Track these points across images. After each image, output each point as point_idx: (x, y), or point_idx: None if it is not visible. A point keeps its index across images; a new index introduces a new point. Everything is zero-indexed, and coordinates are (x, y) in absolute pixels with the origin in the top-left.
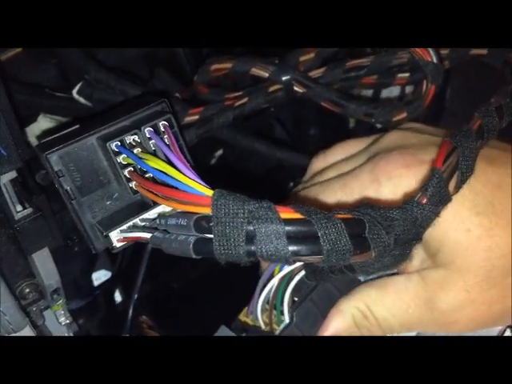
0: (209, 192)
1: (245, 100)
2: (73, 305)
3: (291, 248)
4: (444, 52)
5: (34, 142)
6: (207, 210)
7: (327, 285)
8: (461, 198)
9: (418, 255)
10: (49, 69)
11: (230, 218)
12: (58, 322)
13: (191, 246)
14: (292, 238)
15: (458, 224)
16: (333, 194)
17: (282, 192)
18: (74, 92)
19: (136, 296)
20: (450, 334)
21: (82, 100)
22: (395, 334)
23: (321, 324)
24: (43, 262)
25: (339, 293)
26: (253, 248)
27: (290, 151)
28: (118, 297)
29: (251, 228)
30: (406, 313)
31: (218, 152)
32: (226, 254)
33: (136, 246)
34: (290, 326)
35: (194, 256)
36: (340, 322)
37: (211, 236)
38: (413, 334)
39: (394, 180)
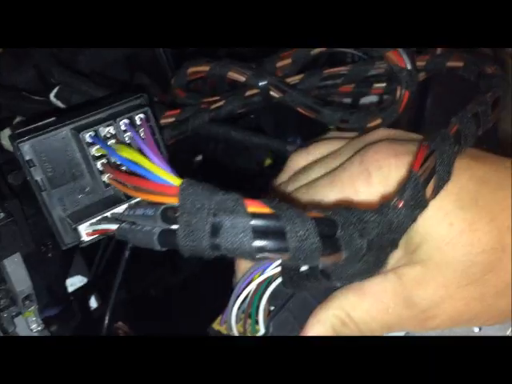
0: (177, 182)
1: (221, 103)
2: (46, 311)
3: (256, 243)
4: (421, 64)
5: (8, 146)
6: (175, 201)
7: (304, 293)
8: (445, 192)
9: (394, 254)
10: (28, 71)
11: (196, 209)
12: (30, 328)
13: (156, 237)
14: (258, 233)
15: (442, 217)
16: (321, 191)
17: None
18: (52, 95)
19: (113, 302)
20: (428, 334)
21: (59, 104)
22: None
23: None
24: (14, 268)
25: (316, 301)
26: (217, 241)
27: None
28: (93, 303)
29: (217, 220)
30: (385, 313)
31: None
32: (191, 246)
33: (113, 251)
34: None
35: (158, 248)
36: (319, 333)
37: (177, 227)
38: (402, 333)
39: (384, 169)
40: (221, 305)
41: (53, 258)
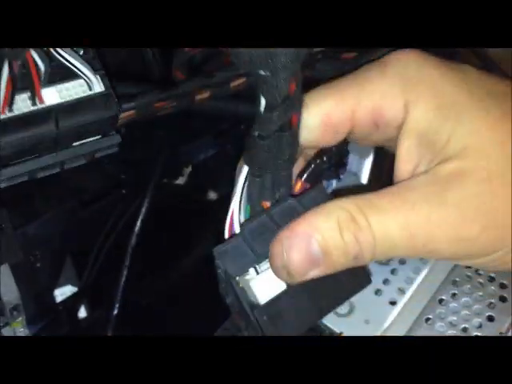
0: None
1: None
2: (34, 322)
3: None
4: None
5: None
6: None
7: (292, 202)
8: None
9: (423, 158)
10: None
11: None
12: None
13: None
14: None
15: (475, 103)
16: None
17: None
18: None
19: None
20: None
21: None
22: (387, 249)
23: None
24: (2, 278)
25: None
26: None
27: None
28: (82, 313)
29: None
30: (409, 212)
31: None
32: None
33: (104, 260)
34: (236, 241)
35: None
36: (318, 221)
37: None
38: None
39: (402, 62)
40: (214, 311)
41: (41, 268)
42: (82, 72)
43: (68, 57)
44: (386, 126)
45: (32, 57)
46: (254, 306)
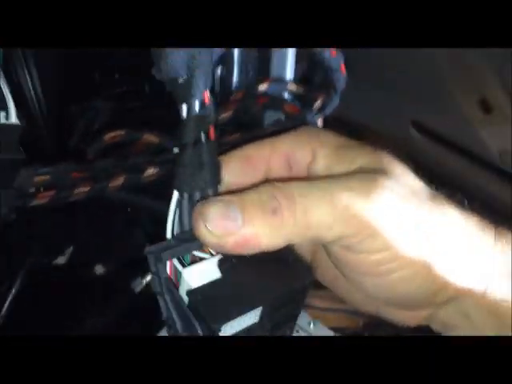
0: None
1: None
2: None
3: None
4: None
5: None
6: None
7: None
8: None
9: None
10: None
11: None
12: None
13: None
14: None
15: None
16: None
17: None
18: None
19: None
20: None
21: None
22: (307, 208)
23: None
24: None
25: None
26: None
27: None
28: None
29: None
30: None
31: None
32: None
33: None
34: (165, 242)
35: None
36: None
37: None
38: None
39: None
40: None
41: None
42: None
43: None
44: (298, 166)
45: None
46: (189, 291)
